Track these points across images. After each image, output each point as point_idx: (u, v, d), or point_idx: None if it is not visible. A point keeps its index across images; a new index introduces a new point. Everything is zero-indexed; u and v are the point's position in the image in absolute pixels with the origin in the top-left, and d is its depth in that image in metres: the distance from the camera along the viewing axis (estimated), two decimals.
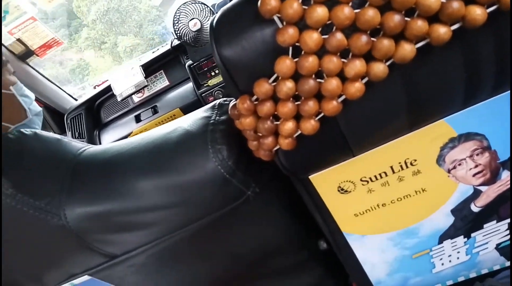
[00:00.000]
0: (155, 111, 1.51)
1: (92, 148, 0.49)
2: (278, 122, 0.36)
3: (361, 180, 0.43)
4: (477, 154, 0.42)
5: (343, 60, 0.31)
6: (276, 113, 0.35)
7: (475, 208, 0.47)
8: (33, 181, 0.44)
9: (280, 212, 0.52)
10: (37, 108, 0.54)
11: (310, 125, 0.35)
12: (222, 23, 0.34)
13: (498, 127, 0.40)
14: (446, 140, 0.41)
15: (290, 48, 0.32)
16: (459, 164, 0.43)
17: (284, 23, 0.31)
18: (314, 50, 0.31)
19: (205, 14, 1.40)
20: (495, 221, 0.48)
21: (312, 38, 0.30)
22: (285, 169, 0.42)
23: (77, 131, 1.52)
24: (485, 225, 0.49)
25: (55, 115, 1.56)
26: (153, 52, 1.70)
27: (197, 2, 1.39)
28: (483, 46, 0.33)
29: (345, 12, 0.29)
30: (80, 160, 0.46)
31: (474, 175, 0.44)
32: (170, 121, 1.47)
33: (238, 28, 0.33)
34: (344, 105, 0.34)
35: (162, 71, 1.55)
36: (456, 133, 0.40)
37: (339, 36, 0.30)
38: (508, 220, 0.48)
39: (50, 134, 0.49)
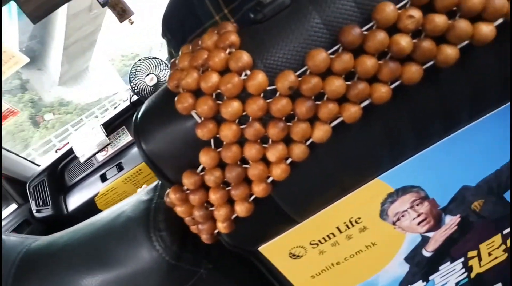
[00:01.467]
0: (120, 168, 1.49)
1: (36, 243, 0.47)
2: (213, 208, 0.36)
3: (310, 243, 0.44)
4: (417, 204, 0.43)
5: (264, 145, 0.32)
6: (209, 199, 0.35)
7: (426, 253, 0.48)
8: None
9: (239, 282, 0.51)
10: None
11: (244, 208, 0.35)
12: (145, 119, 0.35)
13: (431, 177, 0.42)
14: (384, 196, 0.42)
15: (212, 140, 0.32)
16: (402, 216, 0.44)
17: (202, 118, 0.31)
18: (234, 141, 0.31)
19: (161, 68, 1.42)
20: (449, 262, 0.49)
21: (231, 130, 0.31)
22: (232, 246, 0.42)
23: (40, 199, 1.47)
24: (440, 267, 0.50)
25: (16, 185, 1.51)
26: (114, 108, 1.69)
27: (152, 57, 1.41)
28: (397, 114, 0.35)
29: (258, 104, 0.30)
30: (23, 259, 0.44)
31: (418, 223, 0.45)
32: (136, 176, 1.46)
33: (160, 123, 0.34)
34: (274, 184, 0.35)
35: (124, 126, 1.55)
36: (393, 188, 0.41)
37: (256, 126, 0.31)
38: (462, 259, 0.50)
39: None
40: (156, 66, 1.42)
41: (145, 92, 1.43)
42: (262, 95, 0.31)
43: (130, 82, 1.42)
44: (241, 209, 0.35)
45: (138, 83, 1.42)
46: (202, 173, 0.34)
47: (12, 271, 0.43)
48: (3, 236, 0.49)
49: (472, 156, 0.41)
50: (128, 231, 0.42)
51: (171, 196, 0.35)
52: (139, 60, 1.45)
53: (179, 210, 0.36)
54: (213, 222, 0.37)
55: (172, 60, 0.36)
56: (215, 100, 0.31)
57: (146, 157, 0.34)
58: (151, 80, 1.41)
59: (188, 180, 0.33)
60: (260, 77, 0.30)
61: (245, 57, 0.31)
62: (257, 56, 0.32)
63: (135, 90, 1.43)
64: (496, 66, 0.34)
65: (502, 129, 0.39)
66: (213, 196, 0.34)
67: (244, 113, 0.31)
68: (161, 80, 1.42)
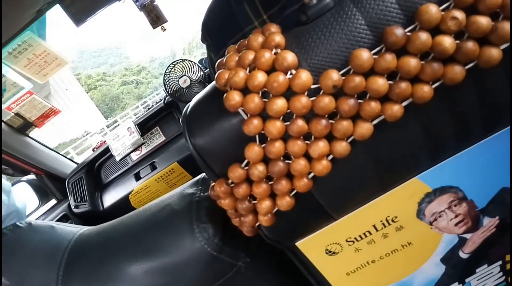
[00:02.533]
0: (153, 167, 1.54)
1: (85, 232, 0.50)
2: (255, 201, 0.38)
3: (346, 241, 0.44)
4: (455, 205, 0.43)
5: (307, 142, 0.34)
6: (252, 193, 0.37)
7: (463, 255, 0.47)
8: (29, 273, 0.45)
9: (275, 277, 0.53)
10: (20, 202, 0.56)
11: (285, 202, 0.36)
12: (194, 116, 0.37)
13: (470, 178, 0.42)
14: (422, 196, 0.42)
15: (257, 136, 0.34)
16: (440, 216, 0.44)
17: (249, 115, 0.33)
18: (278, 137, 0.33)
19: (194, 71, 1.46)
20: (486, 265, 0.49)
21: (275, 127, 0.32)
22: (270, 240, 0.43)
23: (78, 195, 1.54)
24: (477, 270, 0.49)
25: (56, 182, 1.58)
26: (148, 109, 1.75)
27: (185, 60, 1.45)
28: (438, 114, 0.36)
29: (302, 101, 0.32)
30: (74, 247, 0.47)
31: (456, 224, 0.45)
32: (169, 176, 1.50)
33: (208, 119, 0.36)
34: (315, 180, 0.36)
35: (157, 127, 1.59)
36: (431, 188, 0.42)
37: (300, 123, 0.32)
38: (500, 262, 0.49)
39: (44, 223, 0.51)
40: (189, 69, 1.46)
41: (178, 93, 1.47)
42: (306, 93, 0.32)
43: (164, 84, 1.46)
44: (282, 203, 0.37)
45: (172, 85, 1.47)
46: (246, 168, 0.36)
47: (64, 257, 0.46)
48: (53, 224, 0.52)
49: None
50: (172, 222, 0.44)
51: (217, 189, 0.37)
52: (173, 62, 1.49)
53: (223, 202, 0.38)
54: (255, 215, 0.39)
55: (219, 60, 0.38)
56: (261, 98, 0.33)
57: (194, 151, 0.37)
58: (184, 82, 1.45)
59: (233, 174, 0.35)
60: (304, 76, 0.32)
61: (290, 57, 0.32)
62: (302, 56, 0.33)
63: (169, 92, 1.47)
64: None
65: None
66: (257, 190, 0.36)
67: (288, 111, 0.33)
68: (194, 82, 1.46)
